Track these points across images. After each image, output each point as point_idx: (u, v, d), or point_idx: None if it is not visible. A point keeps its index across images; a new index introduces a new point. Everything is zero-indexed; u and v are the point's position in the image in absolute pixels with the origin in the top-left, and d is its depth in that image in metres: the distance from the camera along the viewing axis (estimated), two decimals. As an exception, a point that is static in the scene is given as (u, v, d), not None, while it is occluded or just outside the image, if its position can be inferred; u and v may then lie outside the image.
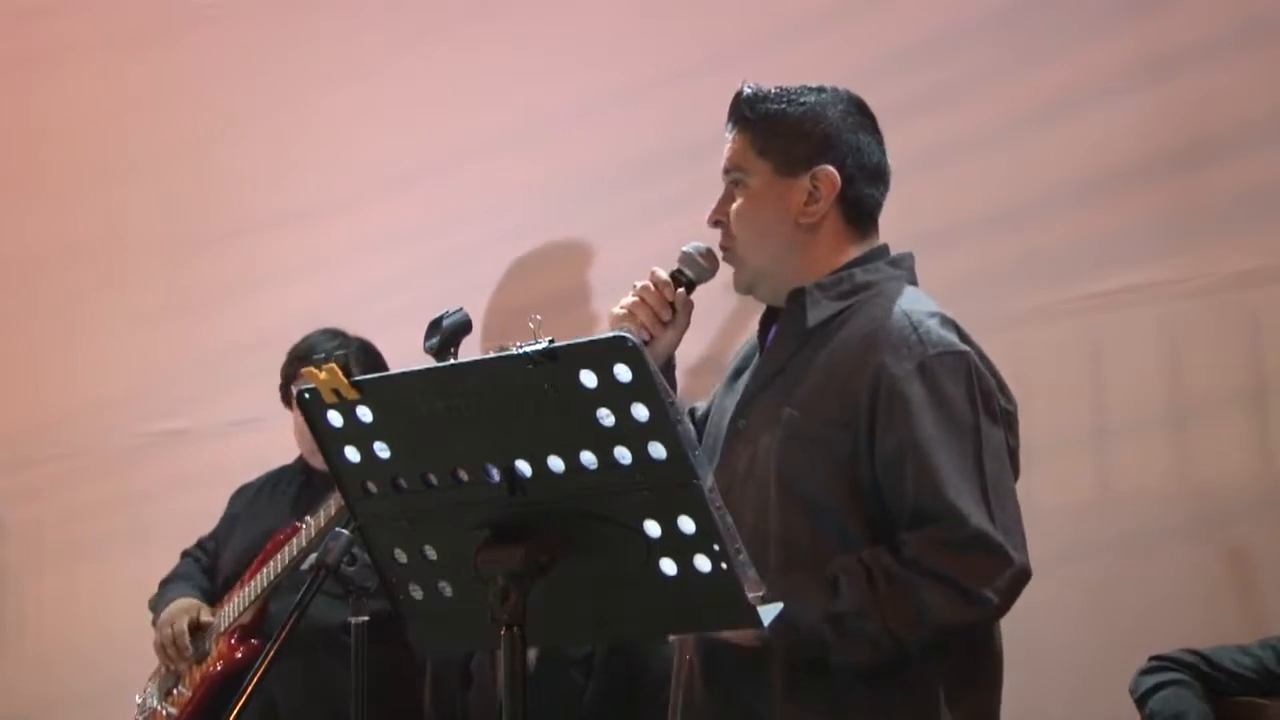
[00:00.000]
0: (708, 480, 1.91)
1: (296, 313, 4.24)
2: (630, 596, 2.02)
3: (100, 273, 4.94)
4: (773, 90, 2.59)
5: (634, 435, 1.90)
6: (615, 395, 1.89)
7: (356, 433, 2.04)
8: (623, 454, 1.92)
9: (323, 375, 2.02)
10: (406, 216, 4.50)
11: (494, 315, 4.21)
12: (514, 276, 4.35)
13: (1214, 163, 3.53)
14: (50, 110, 5.06)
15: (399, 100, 4.54)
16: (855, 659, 2.35)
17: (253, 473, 4.17)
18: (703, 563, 1.93)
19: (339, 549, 2.69)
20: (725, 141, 2.61)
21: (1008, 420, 2.48)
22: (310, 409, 2.05)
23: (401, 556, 2.10)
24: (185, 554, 4.12)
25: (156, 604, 3.99)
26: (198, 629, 3.86)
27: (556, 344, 1.90)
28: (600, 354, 1.89)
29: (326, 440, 2.06)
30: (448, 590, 2.09)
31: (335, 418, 2.04)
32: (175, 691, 3.93)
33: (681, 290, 2.62)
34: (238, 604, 3.83)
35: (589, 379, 1.89)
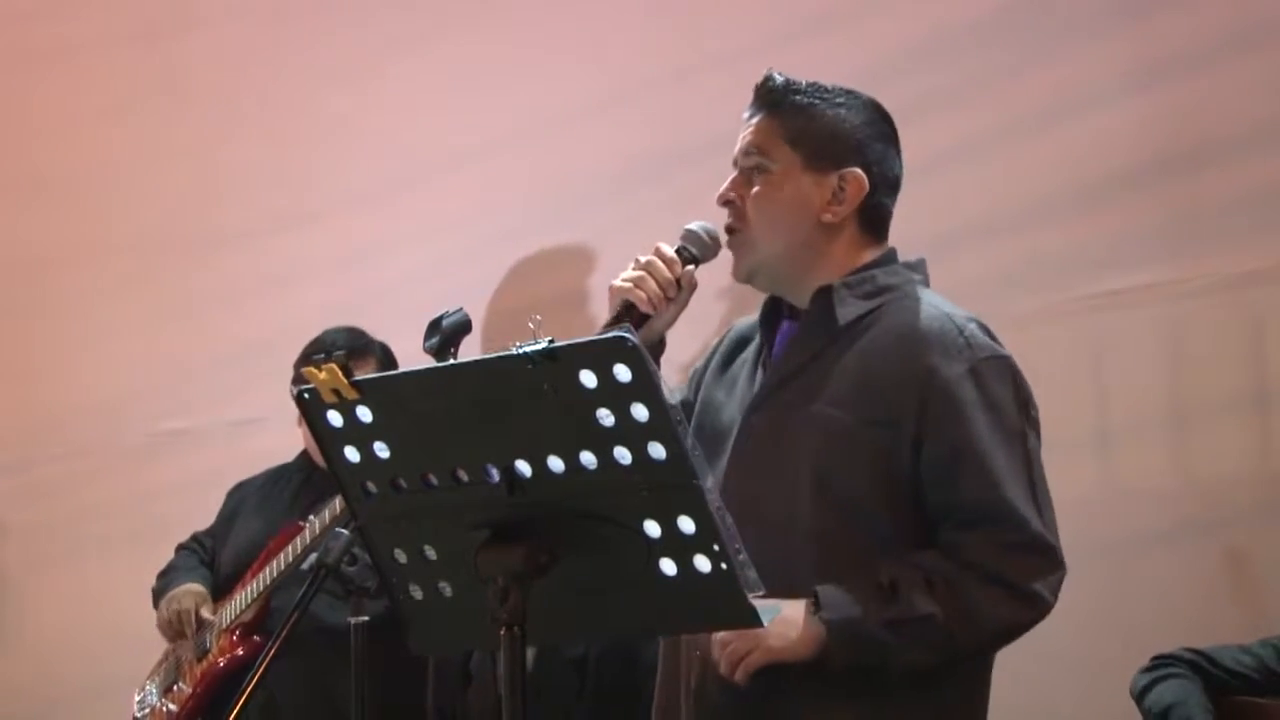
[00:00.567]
0: (707, 480, 1.91)
1: (301, 313, 4.24)
2: (630, 597, 2.01)
3: (103, 274, 4.94)
4: (805, 83, 2.58)
5: (634, 435, 1.89)
6: (615, 395, 1.88)
7: (356, 433, 2.03)
8: (622, 454, 1.91)
9: (322, 375, 2.01)
10: (410, 217, 4.50)
11: (494, 316, 4.21)
12: (514, 278, 4.35)
13: (1215, 165, 3.53)
14: (53, 110, 5.06)
15: (402, 102, 4.54)
16: (910, 663, 2.37)
17: (250, 472, 4.16)
18: (703, 563, 1.93)
19: (339, 549, 2.69)
20: (746, 125, 2.59)
21: (1037, 425, 2.51)
22: (310, 409, 2.05)
23: (401, 556, 2.09)
24: (181, 547, 4.11)
25: (160, 591, 3.97)
26: (199, 624, 3.85)
27: (556, 344, 1.90)
28: (600, 354, 1.88)
29: (326, 440, 2.06)
30: (448, 590, 2.09)
31: (335, 418, 2.03)
32: (175, 688, 3.92)
33: (690, 267, 2.57)
34: (240, 602, 3.82)
35: (589, 379, 1.89)
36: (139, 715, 4.03)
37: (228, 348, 4.69)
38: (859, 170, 2.55)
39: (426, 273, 4.38)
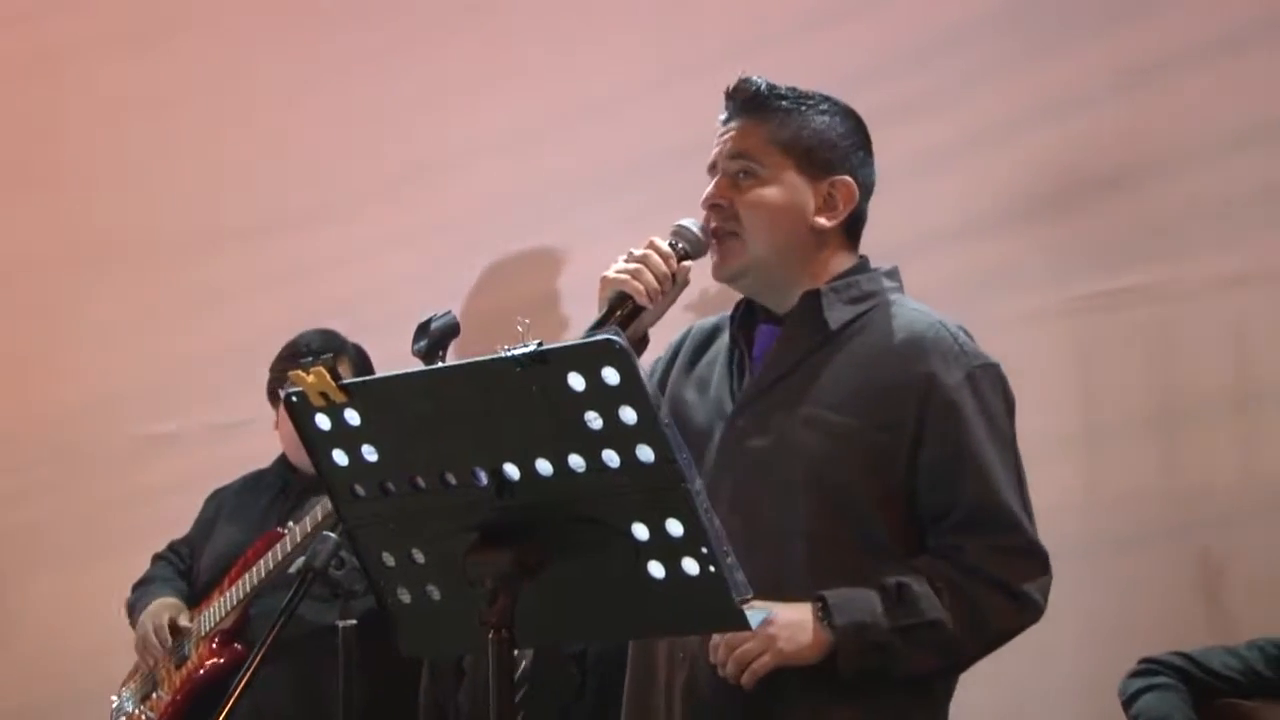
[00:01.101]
0: (696, 483, 1.91)
1: (286, 316, 4.23)
2: (618, 599, 2.01)
3: (89, 276, 4.93)
4: (785, 88, 2.60)
5: (622, 438, 1.89)
6: (603, 398, 1.88)
7: (344, 436, 2.03)
8: (610, 457, 1.91)
9: (310, 378, 2.01)
10: (397, 220, 4.50)
11: (474, 318, 4.21)
12: (498, 281, 4.35)
13: (1198, 167, 3.54)
14: (38, 113, 5.05)
15: (388, 108, 4.54)
16: (918, 668, 2.41)
17: (235, 475, 4.15)
18: (691, 565, 1.93)
19: (326, 552, 2.69)
20: (725, 128, 2.60)
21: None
22: (298, 412, 2.04)
23: (389, 560, 2.09)
24: (157, 557, 4.09)
25: (134, 605, 3.97)
26: (176, 632, 3.84)
27: (545, 347, 1.90)
28: (588, 357, 1.88)
29: (314, 443, 2.06)
30: (436, 593, 2.08)
31: (323, 421, 2.03)
32: (154, 696, 3.91)
33: (686, 263, 2.56)
34: (218, 609, 3.80)
35: (577, 382, 1.88)
36: (114, 722, 4.02)
37: (213, 351, 4.67)
38: (849, 178, 2.58)
39: (411, 276, 4.38)
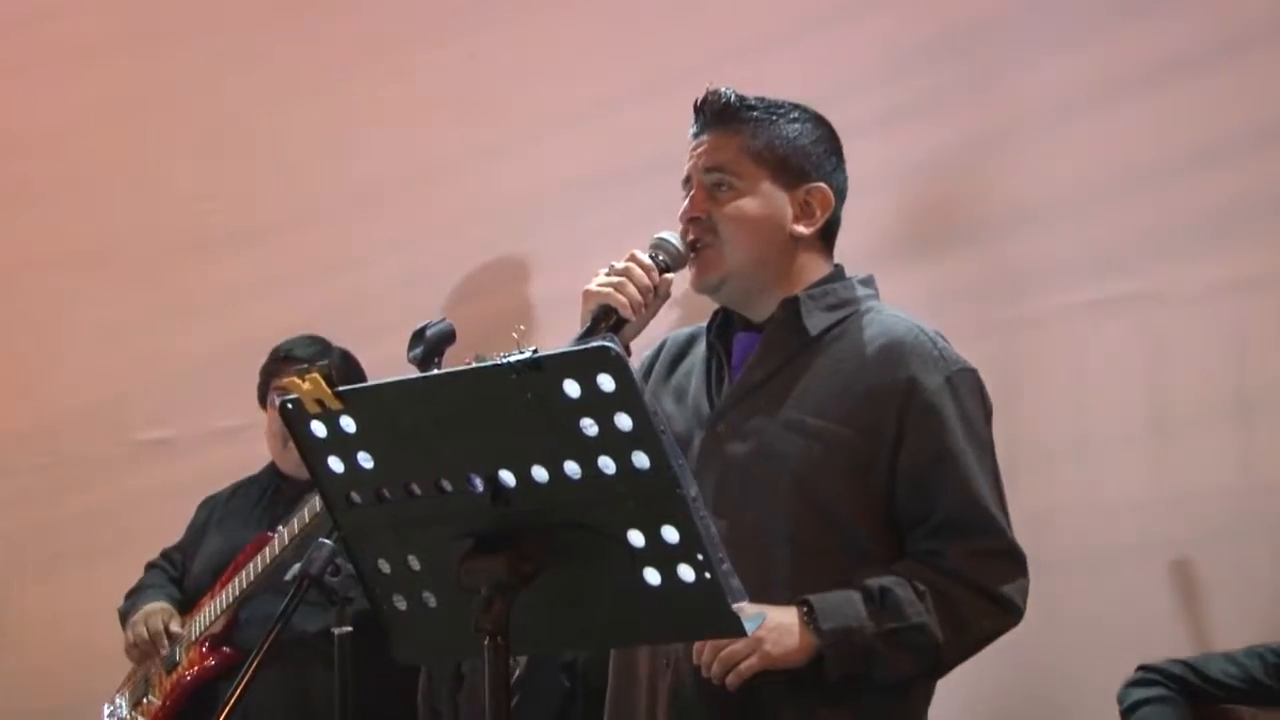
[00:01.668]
0: (692, 489, 1.91)
1: (281, 321, 4.25)
2: (614, 606, 2.01)
3: (83, 280, 4.93)
4: (755, 98, 2.62)
5: (617, 445, 1.89)
6: (599, 405, 1.88)
7: (340, 443, 2.03)
8: (606, 464, 1.91)
9: (306, 385, 2.01)
10: (391, 225, 4.51)
11: (463, 325, 4.21)
12: (491, 286, 4.36)
13: (1197, 172, 3.54)
14: (32, 117, 5.06)
15: (379, 112, 4.56)
16: (900, 671, 2.43)
17: (232, 480, 4.17)
18: (686, 572, 1.92)
19: (322, 559, 2.68)
20: (697, 141, 2.61)
21: None
22: (293, 419, 2.04)
23: (385, 567, 2.09)
24: (150, 565, 4.11)
25: (126, 612, 3.98)
26: (168, 637, 3.85)
27: (540, 354, 1.90)
28: (584, 364, 1.88)
29: (309, 451, 2.05)
30: (432, 600, 2.08)
31: (319, 428, 2.03)
32: (145, 700, 3.93)
33: (669, 275, 2.57)
34: (208, 614, 3.84)
35: (572, 389, 1.88)
36: (108, 729, 4.03)
37: (208, 356, 4.68)
38: (823, 185, 2.60)
39: (410, 282, 4.39)
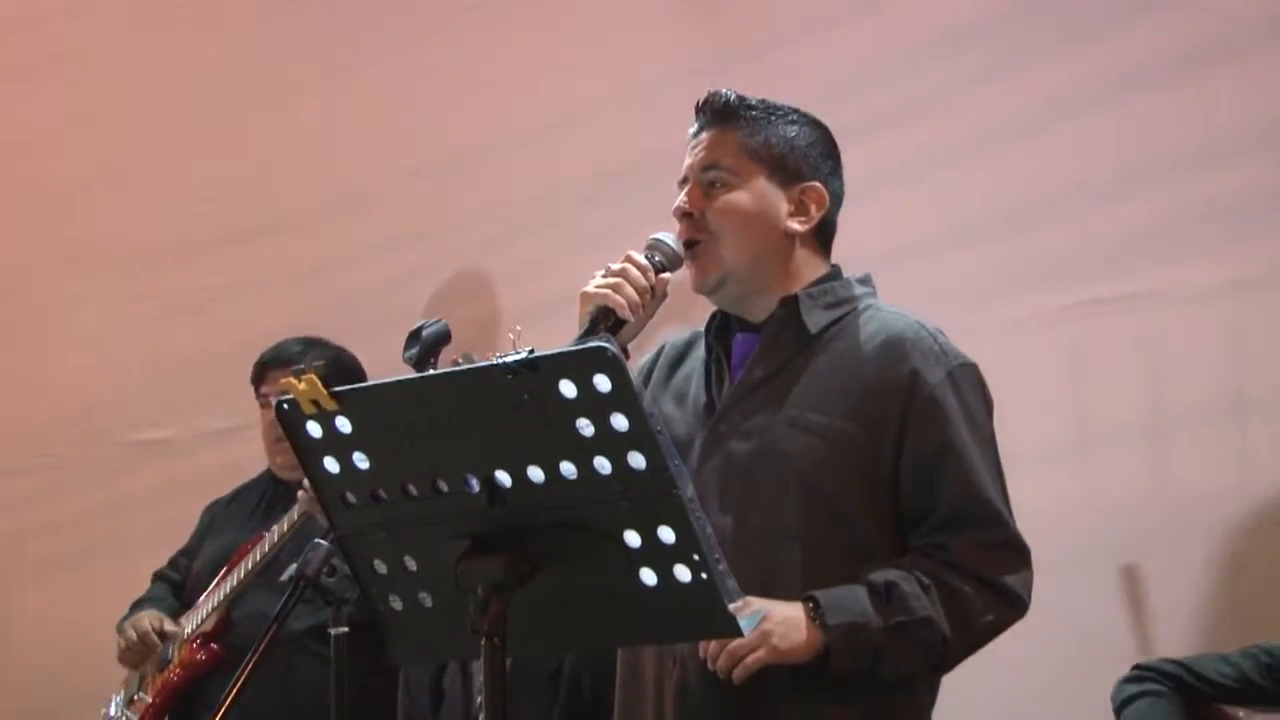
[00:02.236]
0: (688, 490, 1.91)
1: (276, 321, 4.24)
2: (611, 607, 2.02)
3: (80, 281, 4.93)
4: (755, 99, 2.63)
5: (614, 445, 1.90)
6: (595, 405, 1.89)
7: (336, 443, 2.03)
8: (602, 464, 1.91)
9: (302, 386, 2.01)
10: (388, 225, 4.51)
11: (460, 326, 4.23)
12: (484, 287, 4.37)
13: (1193, 174, 3.55)
14: (26, 119, 5.06)
15: (370, 113, 4.58)
16: (906, 665, 2.44)
17: (230, 482, 4.18)
18: (683, 572, 1.93)
19: (318, 560, 2.69)
20: (696, 140, 2.62)
21: None
22: (289, 420, 2.05)
23: (381, 567, 2.10)
24: (157, 576, 4.14)
25: (122, 623, 4.01)
26: (161, 637, 3.88)
27: (536, 354, 1.91)
28: (580, 364, 1.89)
29: (305, 451, 2.06)
30: (428, 601, 2.09)
31: (314, 428, 2.04)
32: (137, 698, 3.94)
33: (665, 275, 2.57)
34: (201, 613, 3.87)
35: (569, 389, 1.89)
36: (103, 727, 4.05)
37: (206, 356, 4.68)
38: (819, 184, 2.61)
39: (408, 281, 4.40)
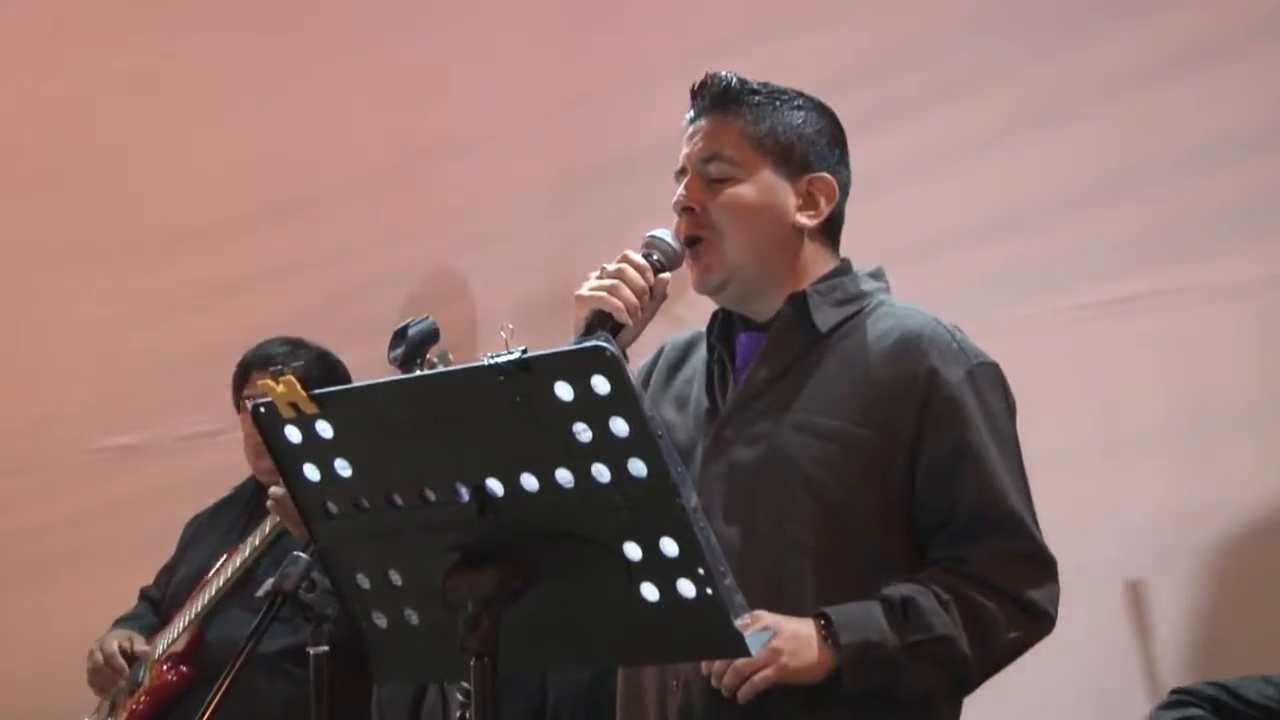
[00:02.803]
0: (691, 499, 1.89)
1: (254, 323, 4.25)
2: (609, 623, 2.00)
3: (49, 281, 4.95)
4: (758, 84, 2.59)
5: (613, 451, 1.88)
6: (592, 409, 1.87)
7: (316, 449, 2.01)
8: (601, 471, 1.90)
9: (280, 388, 1.99)
10: (370, 223, 4.53)
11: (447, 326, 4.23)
12: (460, 291, 4.37)
13: (1226, 165, 3.54)
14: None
15: (354, 106, 4.59)
16: (924, 686, 2.41)
17: (209, 489, 4.18)
18: (687, 588, 1.91)
19: (297, 574, 2.67)
20: (694, 126, 2.57)
21: None
22: (266, 424, 2.03)
23: (364, 582, 2.08)
24: (142, 594, 4.15)
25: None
26: (132, 658, 3.88)
27: (529, 354, 1.88)
28: (576, 365, 1.87)
29: (283, 457, 2.04)
30: (414, 617, 2.07)
31: (293, 433, 2.02)
32: None
33: (665, 275, 2.52)
34: (172, 632, 3.87)
35: (564, 391, 1.87)
36: (75, 754, 4.05)
37: (179, 359, 4.69)
38: (827, 175, 2.57)
39: (387, 281, 4.40)
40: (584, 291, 2.47)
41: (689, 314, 2.72)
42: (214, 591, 3.77)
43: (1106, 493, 3.56)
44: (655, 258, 2.51)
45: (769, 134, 2.55)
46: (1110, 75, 3.66)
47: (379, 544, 2.05)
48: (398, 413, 1.98)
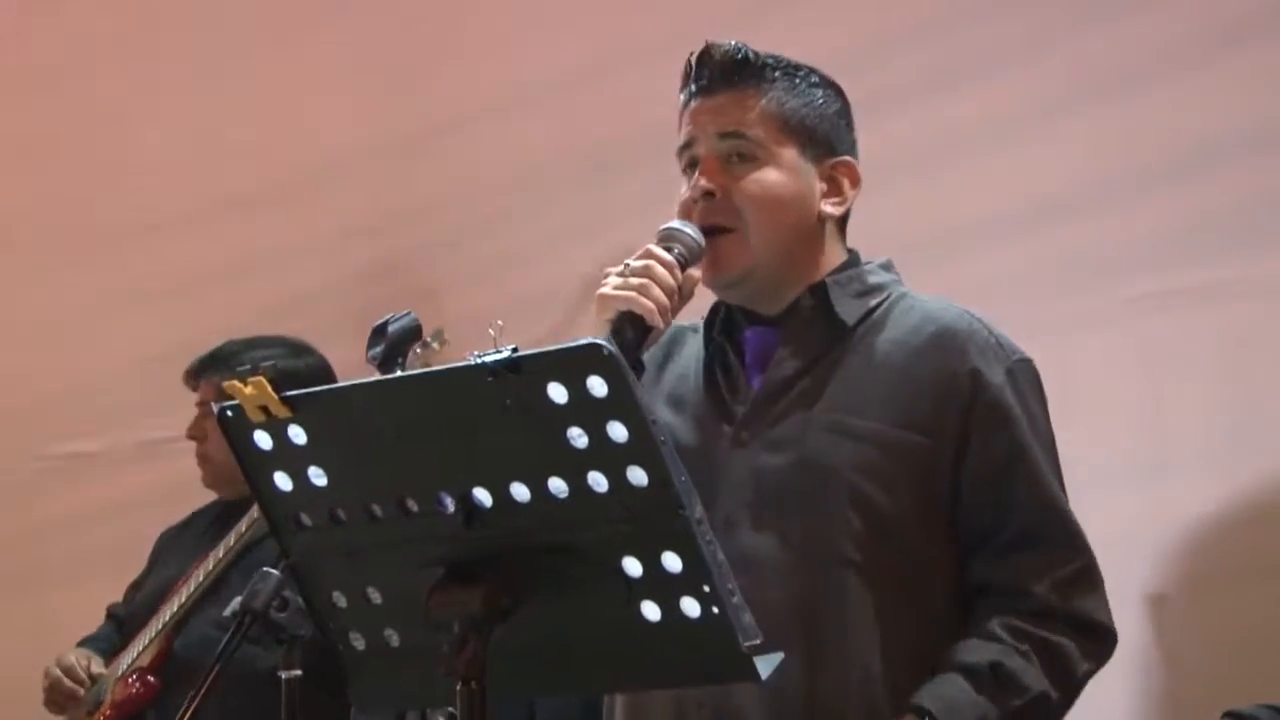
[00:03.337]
0: (696, 510, 1.89)
1: (217, 320, 4.26)
2: (607, 645, 2.01)
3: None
4: (772, 56, 2.56)
5: (611, 458, 1.88)
6: (589, 412, 1.87)
7: (288, 456, 2.02)
8: (598, 480, 1.90)
9: (248, 389, 2.00)
10: (335, 216, 4.53)
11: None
12: (463, 281, 4.39)
13: (1274, 149, 3.55)
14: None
15: (315, 95, 4.61)
16: None
17: (168, 501, 4.20)
18: (691, 606, 1.92)
19: (267, 591, 2.68)
20: (705, 99, 2.53)
21: None
22: (234, 430, 2.03)
23: (340, 600, 2.09)
24: (109, 613, 4.18)
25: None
26: (92, 680, 3.91)
27: (520, 353, 1.89)
28: (571, 364, 1.87)
29: (253, 466, 2.05)
30: (395, 639, 2.08)
31: (263, 439, 2.02)
32: None
33: (694, 272, 2.47)
34: (136, 648, 3.91)
35: (558, 393, 1.87)
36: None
37: (137, 359, 4.69)
38: (850, 159, 2.58)
39: (363, 278, 4.42)
40: (609, 291, 2.41)
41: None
42: (184, 598, 3.79)
43: (1153, 503, 3.58)
44: (678, 252, 2.45)
45: (794, 112, 2.53)
46: (1155, 55, 3.67)
47: (356, 559, 2.05)
48: (377, 416, 1.99)
